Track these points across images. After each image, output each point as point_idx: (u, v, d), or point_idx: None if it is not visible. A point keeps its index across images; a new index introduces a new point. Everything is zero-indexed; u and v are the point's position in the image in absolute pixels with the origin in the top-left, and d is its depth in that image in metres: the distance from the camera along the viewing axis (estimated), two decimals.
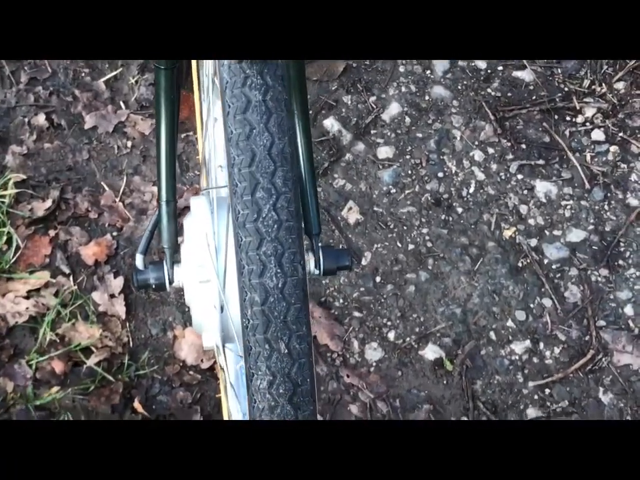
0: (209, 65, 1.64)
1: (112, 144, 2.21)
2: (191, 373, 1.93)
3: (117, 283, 2.01)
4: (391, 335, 2.02)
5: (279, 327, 0.87)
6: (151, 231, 1.35)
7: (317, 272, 1.35)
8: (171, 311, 2.00)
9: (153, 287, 1.33)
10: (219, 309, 1.26)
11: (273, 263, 0.87)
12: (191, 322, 1.98)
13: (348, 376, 1.96)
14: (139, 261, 1.34)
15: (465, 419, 1.93)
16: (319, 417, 1.89)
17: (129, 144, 2.21)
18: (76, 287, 1.99)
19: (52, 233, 2.06)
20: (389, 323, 2.03)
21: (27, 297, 1.96)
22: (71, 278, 2.01)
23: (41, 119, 2.21)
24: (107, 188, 2.14)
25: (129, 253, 2.06)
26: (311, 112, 2.28)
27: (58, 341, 1.92)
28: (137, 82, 2.29)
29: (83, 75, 2.30)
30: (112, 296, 2.00)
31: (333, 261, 1.31)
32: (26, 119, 2.21)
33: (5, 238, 2.02)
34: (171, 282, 1.33)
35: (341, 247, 2.08)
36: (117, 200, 2.13)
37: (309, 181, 1.33)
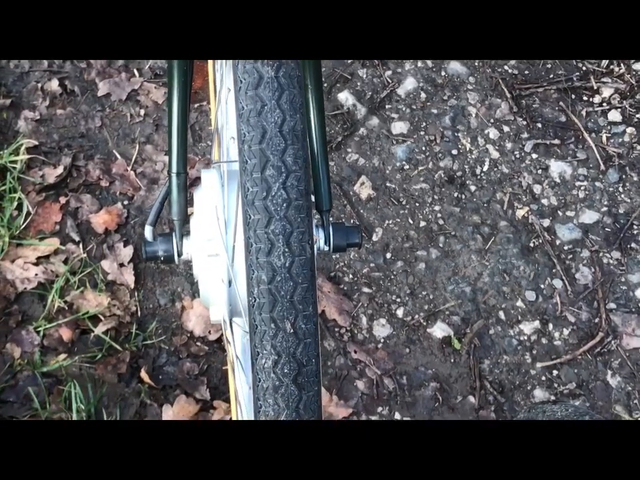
0: None
1: (125, 112, 2.20)
2: (198, 344, 1.92)
3: (126, 252, 2.00)
4: (400, 312, 2.01)
5: (285, 306, 0.86)
6: (160, 202, 1.34)
7: (326, 248, 1.34)
8: (180, 281, 2.00)
9: (162, 259, 1.32)
10: (226, 284, 1.25)
11: (281, 242, 0.86)
12: (199, 294, 1.98)
13: (355, 352, 1.96)
14: (147, 232, 1.34)
15: (472, 398, 1.92)
16: (325, 393, 1.88)
17: (142, 112, 2.20)
18: (85, 255, 1.99)
19: (63, 200, 2.05)
20: (398, 300, 2.02)
21: (36, 264, 1.96)
22: (81, 246, 2.00)
23: (54, 85, 2.20)
24: (118, 156, 2.13)
25: (139, 222, 2.05)
26: (325, 85, 2.27)
27: (66, 308, 1.92)
28: None
29: None
30: (121, 265, 1.99)
31: (342, 237, 1.30)
32: (39, 85, 2.20)
33: (15, 204, 2.01)
34: (179, 254, 1.32)
35: (352, 222, 2.07)
36: (129, 168, 2.12)
37: (320, 156, 1.32)
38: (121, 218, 2.05)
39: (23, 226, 2.00)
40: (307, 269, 0.87)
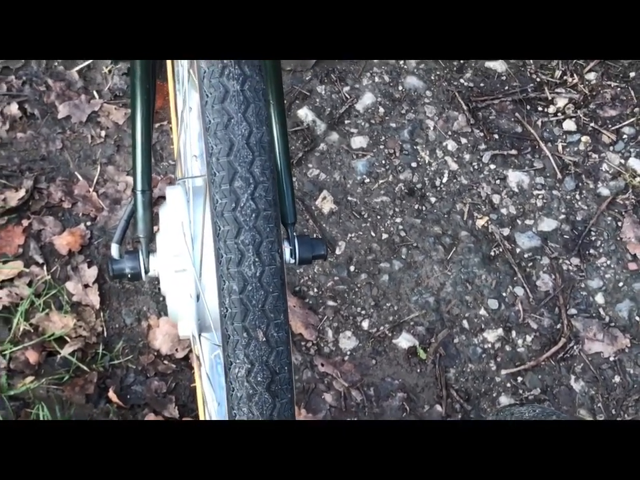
0: None
1: (85, 133, 2.20)
2: (166, 362, 1.93)
3: (90, 273, 2.01)
4: (365, 324, 2.03)
5: (257, 315, 0.88)
6: (126, 220, 1.35)
7: (292, 261, 1.36)
8: (145, 300, 2.00)
9: (129, 276, 1.33)
10: (194, 298, 1.26)
11: (251, 252, 0.87)
12: (165, 311, 1.98)
13: (322, 365, 1.97)
14: (114, 250, 1.34)
15: (439, 407, 1.94)
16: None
17: (103, 133, 2.20)
18: (49, 277, 1.99)
19: (25, 222, 2.05)
20: (363, 312, 2.04)
21: (0, 287, 1.96)
22: (45, 268, 2.00)
23: (13, 109, 2.20)
24: (80, 178, 2.14)
25: (103, 243, 2.06)
26: (285, 102, 2.28)
27: (32, 330, 1.92)
28: (110, 71, 2.28)
29: (56, 64, 2.28)
30: (86, 286, 1.99)
31: (308, 250, 1.32)
32: None
33: None
34: (146, 271, 1.33)
35: (315, 236, 2.09)
36: (91, 190, 2.12)
37: (284, 170, 1.33)
38: (84, 239, 2.05)
39: None
40: (277, 277, 0.89)
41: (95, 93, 2.26)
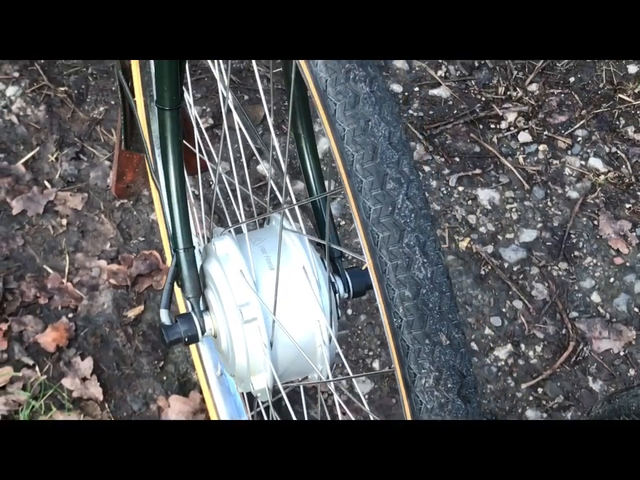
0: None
1: (45, 225, 2.10)
2: None
3: (86, 365, 1.90)
4: (376, 364, 1.98)
5: (436, 318, 0.83)
6: (170, 282, 1.29)
7: (346, 295, 1.31)
8: (149, 382, 1.90)
9: (186, 340, 1.26)
10: (269, 346, 1.20)
11: (418, 254, 0.83)
12: (172, 389, 1.90)
13: (344, 413, 1.90)
14: (164, 316, 1.27)
15: None
16: None
17: (64, 222, 2.11)
18: (44, 377, 1.87)
19: (4, 326, 1.93)
20: (370, 353, 1.99)
21: None
22: (37, 368, 1.88)
23: None
24: (50, 270, 2.03)
25: (90, 332, 1.95)
26: (242, 159, 2.24)
27: None
28: (57, 159, 2.19)
29: None
30: (84, 379, 1.88)
31: (360, 281, 1.28)
32: None
33: None
34: (203, 331, 1.26)
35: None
36: (65, 281, 2.02)
37: (321, 201, 1.30)
38: (69, 332, 1.95)
39: None
40: (446, 276, 0.84)
41: (46, 182, 2.17)
